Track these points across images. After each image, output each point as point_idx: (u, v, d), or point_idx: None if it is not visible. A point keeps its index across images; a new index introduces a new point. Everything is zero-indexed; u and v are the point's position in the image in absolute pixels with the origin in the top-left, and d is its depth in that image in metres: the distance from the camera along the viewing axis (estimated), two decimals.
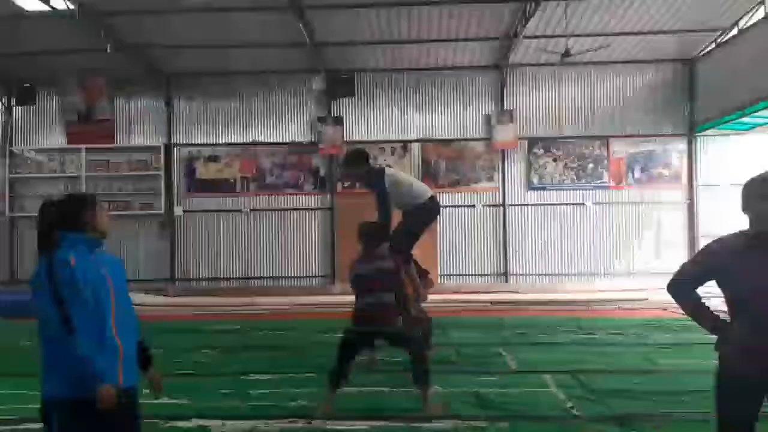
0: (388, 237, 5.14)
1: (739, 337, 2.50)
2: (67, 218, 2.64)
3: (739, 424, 2.55)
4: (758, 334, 2.44)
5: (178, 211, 13.19)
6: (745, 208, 2.55)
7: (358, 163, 5.49)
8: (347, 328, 4.80)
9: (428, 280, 6.22)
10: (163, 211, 13.06)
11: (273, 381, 5.70)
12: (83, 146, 13.11)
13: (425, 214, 5.49)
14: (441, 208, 5.76)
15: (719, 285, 2.59)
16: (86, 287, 2.48)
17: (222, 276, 13.19)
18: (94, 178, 13.18)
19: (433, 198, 5.56)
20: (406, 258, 5.39)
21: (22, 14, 9.80)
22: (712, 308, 2.72)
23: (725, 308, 2.65)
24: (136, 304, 10.17)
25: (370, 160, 5.71)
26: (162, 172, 13.04)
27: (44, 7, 9.32)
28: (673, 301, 2.74)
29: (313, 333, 8.27)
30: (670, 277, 2.73)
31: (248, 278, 13.15)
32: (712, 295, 2.70)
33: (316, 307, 10.94)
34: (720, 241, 2.60)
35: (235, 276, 13.18)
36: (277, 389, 5.36)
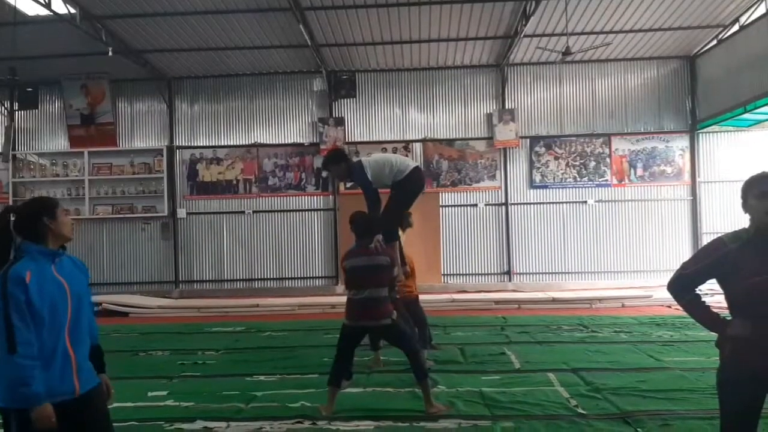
0: (380, 229, 5.04)
1: (740, 334, 2.50)
2: (27, 227, 2.52)
3: (742, 419, 2.56)
4: (759, 331, 2.45)
5: (181, 213, 13.22)
6: (745, 206, 2.56)
7: (336, 161, 5.47)
8: (344, 323, 4.78)
9: (406, 268, 6.18)
10: (166, 214, 13.10)
11: (278, 382, 5.71)
12: (86, 149, 13.17)
13: (411, 185, 5.47)
14: (424, 183, 5.71)
15: (719, 283, 2.60)
16: (43, 301, 2.40)
17: (226, 278, 13.21)
18: (97, 181, 13.23)
19: (416, 168, 5.54)
20: (393, 234, 5.34)
21: (24, 19, 9.84)
22: (711, 306, 2.73)
23: (725, 305, 2.65)
24: (141, 307, 10.20)
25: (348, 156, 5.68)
26: (165, 175, 13.08)
27: (46, 12, 9.35)
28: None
29: (318, 334, 8.29)
30: (671, 275, 2.75)
31: (252, 279, 13.17)
32: (714, 292, 2.70)
33: (320, 307, 10.95)
34: (719, 240, 2.61)
35: (238, 277, 13.20)
36: (282, 390, 5.37)
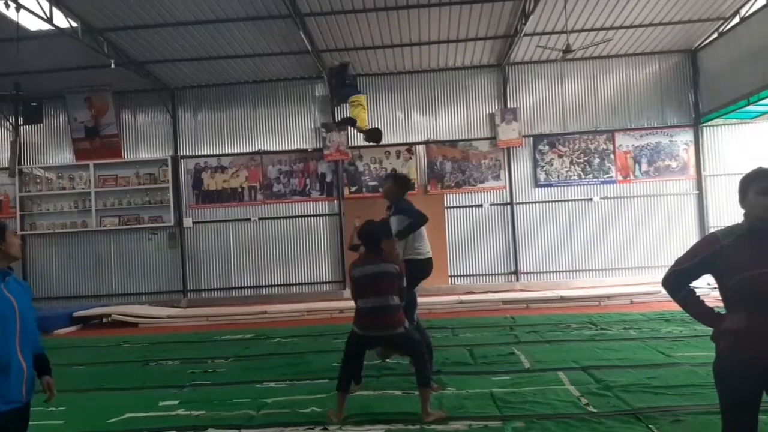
0: (390, 234, 5.13)
1: (735, 328, 2.50)
2: None
3: (741, 413, 2.55)
4: (754, 325, 2.45)
5: (187, 222, 13.28)
6: (743, 201, 2.57)
7: (396, 181, 5.76)
8: (352, 330, 4.73)
9: None
10: (172, 223, 13.15)
11: (288, 388, 5.72)
12: (91, 162, 13.25)
13: (418, 270, 5.52)
14: (430, 274, 5.78)
15: (714, 277, 2.61)
16: None
17: (233, 285, 13.25)
18: (103, 193, 13.31)
19: (430, 259, 5.65)
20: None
21: (26, 34, 9.92)
22: (707, 302, 2.73)
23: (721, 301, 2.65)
24: (150, 317, 10.28)
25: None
26: (170, 185, 13.14)
27: (48, 27, 9.43)
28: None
29: (326, 339, 8.30)
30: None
31: (259, 286, 13.21)
32: (711, 287, 2.71)
33: (328, 312, 10.96)
34: (713, 235, 2.63)
35: (246, 285, 13.24)
36: (293, 396, 5.38)
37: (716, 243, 2.58)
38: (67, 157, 13.59)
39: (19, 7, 8.73)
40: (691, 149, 12.73)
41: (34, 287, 13.38)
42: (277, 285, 13.19)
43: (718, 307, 2.65)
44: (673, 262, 2.72)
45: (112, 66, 10.92)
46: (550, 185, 12.92)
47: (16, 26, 9.31)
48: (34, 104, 13.39)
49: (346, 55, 12.22)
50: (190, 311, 11.97)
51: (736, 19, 11.23)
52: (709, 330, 2.71)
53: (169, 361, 7.42)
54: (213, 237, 13.33)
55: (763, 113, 11.89)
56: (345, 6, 10.20)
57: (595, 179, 12.86)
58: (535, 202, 12.93)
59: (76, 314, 11.31)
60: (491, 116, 13.00)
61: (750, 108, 11.20)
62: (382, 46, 11.89)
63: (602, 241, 12.78)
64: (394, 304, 4.61)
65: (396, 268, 4.66)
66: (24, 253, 13.43)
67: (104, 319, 11.47)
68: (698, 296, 2.69)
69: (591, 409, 4.60)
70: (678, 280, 2.69)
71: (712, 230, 12.08)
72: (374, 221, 5.06)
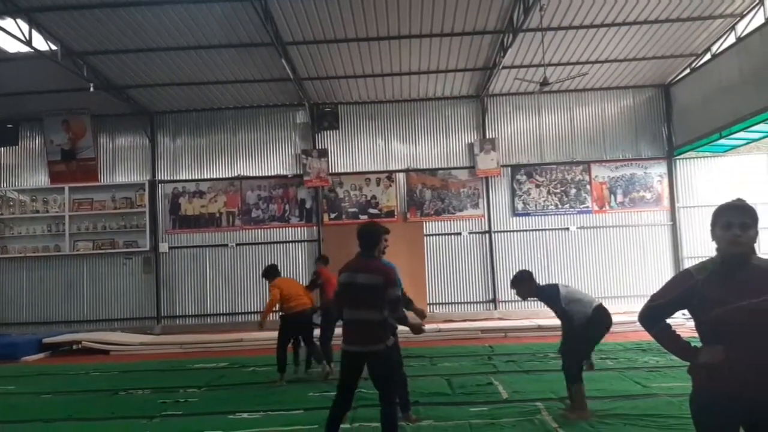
0: (382, 243, 4.51)
1: (711, 362, 2.51)
2: None
3: None
4: (729, 359, 2.46)
5: (163, 247, 13.08)
6: (713, 235, 2.60)
7: (525, 281, 5.97)
8: (342, 348, 4.29)
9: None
10: (148, 248, 12.96)
11: (261, 419, 5.60)
12: (67, 185, 13.05)
13: (594, 327, 5.37)
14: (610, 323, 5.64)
15: (690, 312, 2.62)
16: None
17: (208, 312, 13.03)
18: (77, 217, 13.08)
19: (600, 307, 5.47)
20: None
21: (4, 56, 9.83)
22: (682, 332, 2.74)
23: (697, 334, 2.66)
24: (122, 344, 9.96)
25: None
26: (147, 209, 12.98)
27: (27, 49, 9.35)
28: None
29: (302, 368, 8.16)
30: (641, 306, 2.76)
31: (235, 314, 13.00)
32: (686, 317, 2.72)
33: None
34: (687, 271, 2.65)
35: (221, 312, 13.03)
36: (266, 428, 5.26)
37: (690, 279, 2.60)
38: (42, 179, 13.37)
39: None
40: (665, 181, 12.98)
41: (3, 312, 13.03)
42: (254, 312, 12.96)
43: (693, 338, 2.66)
44: (648, 297, 2.74)
45: (91, 89, 10.84)
46: (528, 215, 13.05)
47: None
48: (10, 126, 13.29)
49: (328, 84, 12.33)
50: (164, 338, 11.72)
51: (708, 56, 11.60)
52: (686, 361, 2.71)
53: (140, 391, 7.22)
54: (189, 263, 13.14)
55: (734, 147, 12.20)
56: (327, 36, 10.31)
57: (572, 209, 13.02)
58: (513, 231, 13.02)
59: (45, 341, 11.01)
60: (470, 146, 13.15)
61: (722, 141, 11.50)
62: (363, 75, 12.01)
63: (579, 270, 12.88)
64: (379, 319, 4.17)
65: (383, 280, 4.14)
66: None
67: (74, 346, 11.17)
68: (674, 330, 2.70)
69: None
70: (653, 316, 2.70)
71: (686, 261, 12.33)
72: (376, 223, 4.52)
